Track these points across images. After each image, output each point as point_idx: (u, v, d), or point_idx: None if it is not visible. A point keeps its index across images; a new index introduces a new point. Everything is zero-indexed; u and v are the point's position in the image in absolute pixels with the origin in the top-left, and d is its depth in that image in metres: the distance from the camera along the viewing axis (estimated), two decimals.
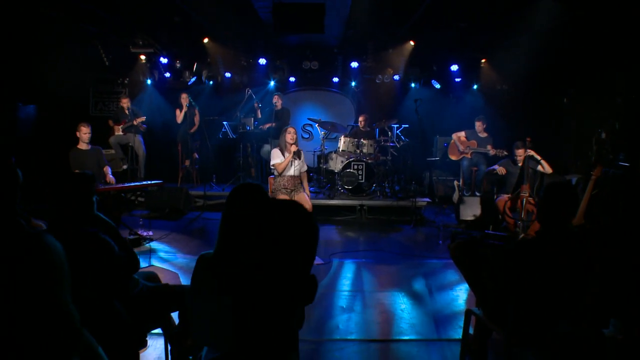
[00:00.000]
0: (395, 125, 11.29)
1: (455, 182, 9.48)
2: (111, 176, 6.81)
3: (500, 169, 7.34)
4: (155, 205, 8.69)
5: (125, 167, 9.62)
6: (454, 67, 9.99)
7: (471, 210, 8.07)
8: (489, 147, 8.72)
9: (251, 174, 9.74)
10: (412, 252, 6.51)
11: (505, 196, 7.02)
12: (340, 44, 9.75)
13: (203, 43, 9.08)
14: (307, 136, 11.57)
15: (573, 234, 2.66)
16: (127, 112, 9.46)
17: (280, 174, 6.26)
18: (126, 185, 6.71)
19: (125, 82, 10.97)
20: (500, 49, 9.16)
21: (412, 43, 9.29)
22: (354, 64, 10.08)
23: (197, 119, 9.66)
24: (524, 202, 6.66)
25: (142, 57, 9.94)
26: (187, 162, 9.71)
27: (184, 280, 5.11)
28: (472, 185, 8.95)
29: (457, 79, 10.60)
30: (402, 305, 4.57)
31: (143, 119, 9.42)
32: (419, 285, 5.22)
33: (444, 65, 10.11)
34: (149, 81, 10.90)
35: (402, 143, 9.53)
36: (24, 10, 7.85)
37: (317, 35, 9.48)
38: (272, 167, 6.30)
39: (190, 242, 6.96)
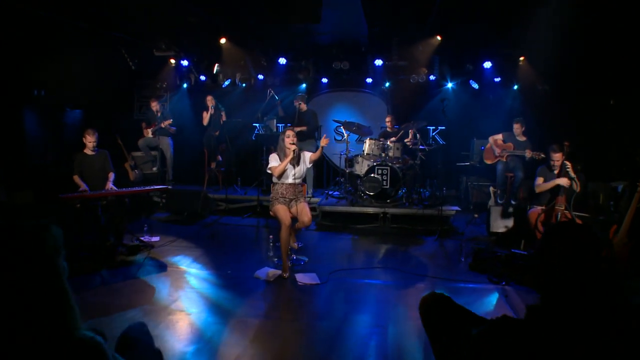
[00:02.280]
0: (431, 128, 10.01)
1: (491, 189, 8.12)
2: (111, 184, 6.16)
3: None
4: (174, 208, 8.03)
5: (155, 169, 9.08)
6: (487, 64, 8.54)
7: (503, 221, 6.73)
8: (527, 150, 7.33)
9: None
10: (426, 271, 5.32)
11: (539, 208, 5.67)
12: (369, 43, 8.61)
13: (220, 44, 8.23)
14: (340, 138, 10.51)
15: (595, 313, 1.47)
16: (157, 114, 8.92)
17: (278, 180, 5.32)
18: (125, 190, 6.01)
19: (164, 85, 10.43)
20: (540, 45, 7.65)
21: (438, 38, 7.98)
22: (378, 62, 8.86)
23: (223, 121, 8.93)
24: (559, 216, 5.30)
25: (172, 60, 9.33)
26: (213, 165, 9.00)
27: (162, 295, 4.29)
28: (507, 192, 7.57)
29: (496, 79, 9.16)
30: (387, 351, 3.47)
31: (170, 121, 8.84)
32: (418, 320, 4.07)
33: (481, 64, 8.69)
34: (185, 85, 10.34)
35: (433, 146, 8.28)
36: (57, 21, 7.45)
37: (345, 35, 8.45)
38: (269, 171, 5.36)
39: (191, 250, 6.16)
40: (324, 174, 10.40)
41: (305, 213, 5.17)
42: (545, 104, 8.77)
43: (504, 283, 4.85)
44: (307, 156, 5.40)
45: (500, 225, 6.72)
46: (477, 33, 7.31)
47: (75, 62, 8.41)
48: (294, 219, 5.29)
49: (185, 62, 9.05)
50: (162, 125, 8.70)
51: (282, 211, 5.14)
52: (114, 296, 4.56)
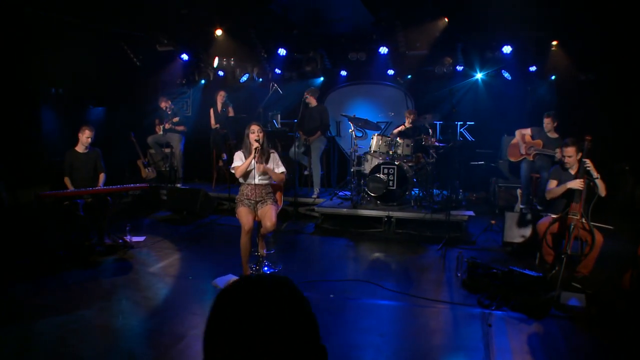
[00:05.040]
0: (459, 123, 9.02)
1: (519, 191, 7.09)
2: (101, 185, 5.91)
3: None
4: (175, 207, 7.71)
5: (166, 166, 8.84)
6: (507, 49, 7.37)
7: (519, 230, 5.73)
8: (557, 150, 6.26)
9: None
10: (409, 288, 4.51)
11: (551, 216, 4.69)
12: (380, 31, 7.76)
13: (216, 35, 7.71)
14: (360, 134, 9.74)
15: None
16: (168, 112, 8.69)
17: (244, 180, 4.76)
18: (103, 188, 5.72)
19: (183, 82, 10.18)
20: (577, 24, 6.45)
21: (446, 20, 6.97)
22: (384, 49, 7.98)
23: (229, 116, 8.51)
24: (572, 227, 4.31)
25: (183, 56, 9.02)
26: (221, 163, 8.60)
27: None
28: (532, 196, 6.53)
29: (531, 68, 8.00)
30: None
31: (177, 119, 8.55)
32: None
33: (505, 50, 7.57)
34: (203, 81, 10.03)
35: (452, 143, 7.34)
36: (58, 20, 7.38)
37: (353, 23, 7.70)
38: (232, 170, 4.81)
39: (170, 252, 5.77)
40: (347, 172, 9.70)
41: (268, 217, 4.56)
42: (587, 96, 7.50)
43: (494, 307, 3.98)
44: (276, 161, 4.78)
45: (517, 234, 5.73)
46: (494, 12, 6.21)
47: (86, 60, 8.32)
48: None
49: (185, 56, 8.71)
50: (167, 126, 8.46)
51: (243, 214, 4.58)
52: (61, 298, 4.32)
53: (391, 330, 3.62)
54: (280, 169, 4.79)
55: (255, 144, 4.59)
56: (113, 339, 3.51)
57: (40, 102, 8.67)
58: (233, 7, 6.58)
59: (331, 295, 4.31)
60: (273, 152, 4.85)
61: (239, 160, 4.72)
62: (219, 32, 7.69)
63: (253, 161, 4.65)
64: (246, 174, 4.70)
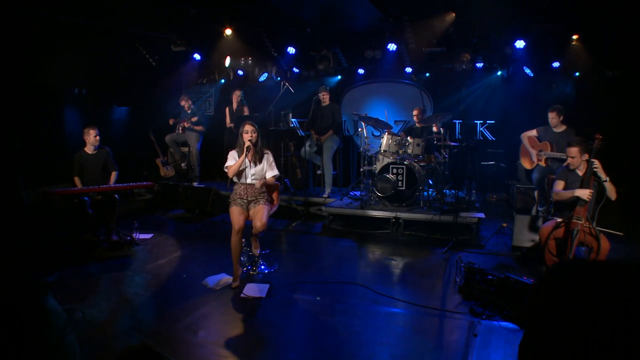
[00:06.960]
0: (479, 122, 8.70)
1: (536, 193, 6.74)
2: (112, 183, 6.00)
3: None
4: (187, 205, 7.79)
5: (184, 165, 8.96)
6: (520, 44, 6.98)
7: (529, 234, 5.43)
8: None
9: (297, 176, 8.20)
10: (401, 293, 4.33)
11: (556, 220, 4.40)
12: (392, 28, 7.53)
13: (225, 35, 7.68)
14: (378, 134, 9.55)
15: None
16: (188, 111, 8.81)
17: (238, 180, 4.72)
18: (109, 186, 5.81)
19: (204, 81, 10.30)
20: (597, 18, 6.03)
21: (453, 15, 6.67)
22: (392, 47, 7.73)
23: (242, 115, 8.52)
24: (575, 232, 4.02)
25: (197, 55, 9.10)
26: None
27: None
28: (546, 197, 6.18)
29: (555, 64, 7.58)
30: None
31: (195, 119, 8.64)
32: None
33: (518, 46, 7.19)
34: (222, 80, 10.10)
35: (469, 142, 7.08)
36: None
37: (368, 21, 7.54)
38: (225, 170, 4.79)
39: (172, 249, 5.81)
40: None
41: (259, 217, 4.50)
42: (613, 93, 7.03)
43: (484, 316, 3.76)
44: (269, 163, 4.72)
45: (526, 238, 5.43)
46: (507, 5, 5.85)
47: (104, 60, 8.54)
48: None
49: (197, 56, 8.77)
50: (185, 125, 8.56)
51: (235, 214, 4.54)
52: (55, 293, 4.23)
53: (371, 337, 3.47)
54: (273, 172, 4.73)
55: (247, 143, 4.55)
56: (94, 333, 3.53)
57: (64, 101, 8.98)
58: (240, 6, 6.53)
59: (318, 298, 4.20)
60: (267, 153, 4.79)
61: (232, 159, 4.70)
62: (228, 31, 7.68)
63: (246, 160, 4.63)
64: (239, 173, 4.67)
